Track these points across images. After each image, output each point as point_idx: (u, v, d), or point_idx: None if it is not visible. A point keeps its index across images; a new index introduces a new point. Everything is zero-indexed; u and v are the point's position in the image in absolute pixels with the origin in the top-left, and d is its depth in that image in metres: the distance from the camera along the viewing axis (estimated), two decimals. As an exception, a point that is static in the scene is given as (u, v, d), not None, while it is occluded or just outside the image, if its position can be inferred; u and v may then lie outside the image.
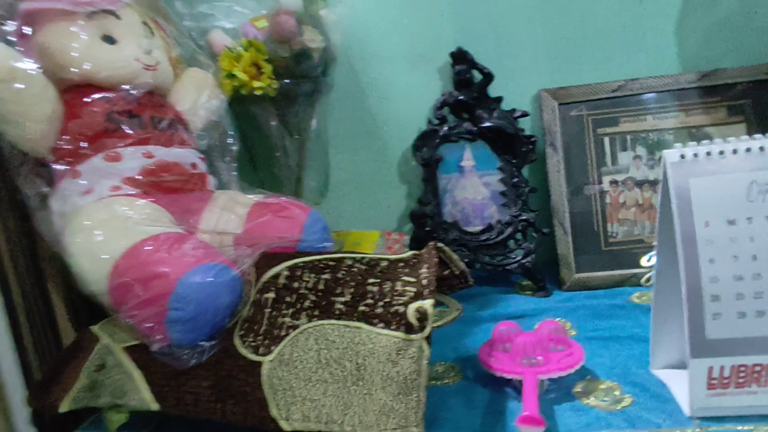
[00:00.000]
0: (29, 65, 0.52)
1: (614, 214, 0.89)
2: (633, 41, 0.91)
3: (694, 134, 0.88)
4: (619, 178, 0.90)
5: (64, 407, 0.50)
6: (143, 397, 0.49)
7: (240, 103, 0.78)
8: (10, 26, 0.53)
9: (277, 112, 0.80)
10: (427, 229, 0.91)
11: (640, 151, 0.89)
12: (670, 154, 0.51)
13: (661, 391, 0.55)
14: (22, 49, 0.53)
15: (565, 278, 0.88)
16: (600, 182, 0.89)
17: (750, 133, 0.85)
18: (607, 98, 0.90)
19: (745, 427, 0.47)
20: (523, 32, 0.93)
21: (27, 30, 0.55)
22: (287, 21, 0.68)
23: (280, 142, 0.82)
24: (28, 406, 0.55)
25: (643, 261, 0.85)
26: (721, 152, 0.50)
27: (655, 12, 0.91)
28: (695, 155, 0.50)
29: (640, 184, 0.89)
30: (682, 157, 0.51)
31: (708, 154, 0.50)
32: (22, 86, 0.51)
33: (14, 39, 0.53)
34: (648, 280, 0.75)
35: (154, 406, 0.49)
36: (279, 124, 0.81)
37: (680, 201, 0.50)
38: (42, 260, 0.62)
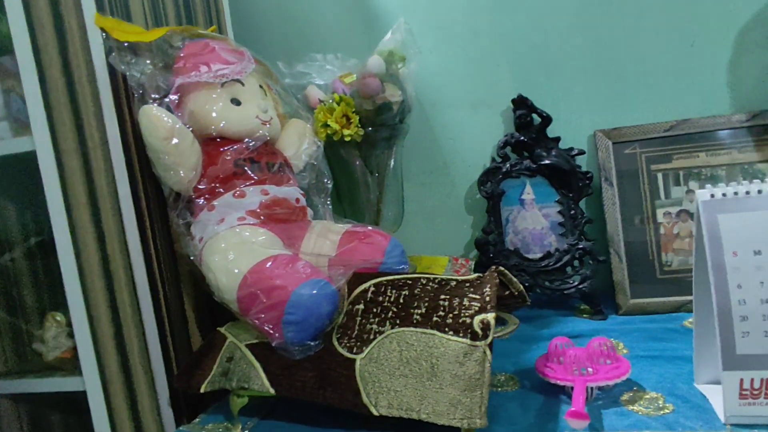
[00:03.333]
0: (183, 126, 0.69)
1: (668, 245, 0.96)
2: (684, 83, 0.99)
3: (746, 170, 0.94)
4: (673, 210, 0.96)
5: (204, 388, 0.65)
6: (263, 383, 0.63)
7: (330, 146, 0.93)
8: (170, 98, 0.70)
9: (360, 154, 0.94)
10: (490, 255, 1.01)
11: (693, 185, 0.95)
12: (702, 194, 0.59)
13: (701, 403, 0.62)
14: (179, 114, 0.71)
15: (621, 303, 0.95)
16: (654, 214, 0.96)
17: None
18: (659, 137, 0.97)
19: (774, 434, 0.54)
20: (577, 77, 1.03)
21: (177, 99, 0.72)
22: (372, 82, 0.83)
23: (362, 178, 0.96)
24: (176, 386, 0.70)
25: (698, 289, 0.91)
26: (747, 192, 0.58)
27: (706, 54, 0.97)
28: (724, 195, 0.58)
29: (693, 216, 0.95)
30: (712, 196, 0.59)
31: (735, 193, 0.58)
32: (179, 141, 0.68)
33: (172, 107, 0.71)
34: (701, 306, 0.80)
35: (272, 390, 0.62)
36: (362, 164, 0.95)
37: (710, 234, 0.58)
38: (180, 276, 0.78)
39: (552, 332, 0.90)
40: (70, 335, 0.90)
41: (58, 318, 0.93)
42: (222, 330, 0.71)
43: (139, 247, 0.70)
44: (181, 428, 0.67)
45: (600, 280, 0.98)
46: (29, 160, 0.74)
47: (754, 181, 0.58)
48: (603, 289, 0.99)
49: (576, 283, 0.97)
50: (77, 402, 0.88)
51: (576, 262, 0.99)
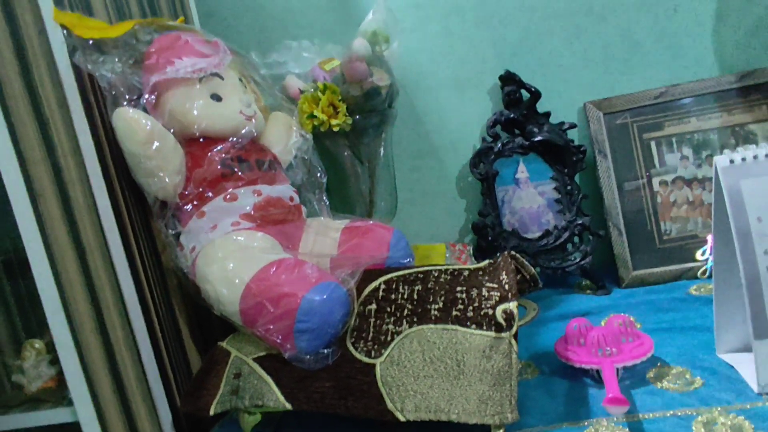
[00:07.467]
0: (162, 127, 0.63)
1: (666, 213, 0.95)
2: (671, 49, 0.97)
3: (738, 132, 0.93)
4: (668, 178, 0.95)
5: (213, 410, 0.60)
6: (278, 398, 0.58)
7: (316, 138, 0.88)
8: (147, 98, 0.64)
9: (348, 143, 0.90)
10: (489, 238, 0.98)
11: (686, 151, 0.95)
12: (721, 160, 0.57)
13: (729, 373, 0.61)
14: (156, 115, 0.65)
15: (623, 276, 0.94)
16: (648, 180, 0.95)
17: (793, 127, 0.90)
18: (650, 105, 0.96)
19: (811, 399, 0.53)
20: (564, 50, 1.00)
21: (153, 99, 0.66)
22: (360, 66, 0.78)
23: (352, 169, 0.92)
24: (183, 410, 0.65)
25: (698, 255, 0.90)
26: (767, 155, 0.56)
27: (690, 19, 0.96)
28: (743, 159, 0.56)
29: (689, 182, 0.94)
30: (732, 161, 0.57)
31: (755, 157, 0.56)
32: (160, 144, 0.62)
33: (149, 108, 0.65)
34: (704, 272, 0.79)
35: (288, 405, 0.58)
36: (350, 154, 0.90)
37: (733, 201, 0.56)
38: (170, 289, 0.73)
39: (560, 312, 0.88)
40: (52, 363, 0.83)
41: (37, 345, 0.86)
42: (223, 344, 0.66)
43: (125, 262, 0.64)
44: (189, 453, 0.63)
45: (600, 254, 0.96)
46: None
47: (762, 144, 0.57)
48: (603, 263, 0.97)
49: (577, 260, 0.95)
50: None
51: (575, 239, 0.97)
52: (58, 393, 0.81)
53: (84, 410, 0.66)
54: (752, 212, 0.55)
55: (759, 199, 0.55)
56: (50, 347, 0.84)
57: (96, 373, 0.65)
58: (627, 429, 0.54)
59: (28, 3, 0.58)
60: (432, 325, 0.59)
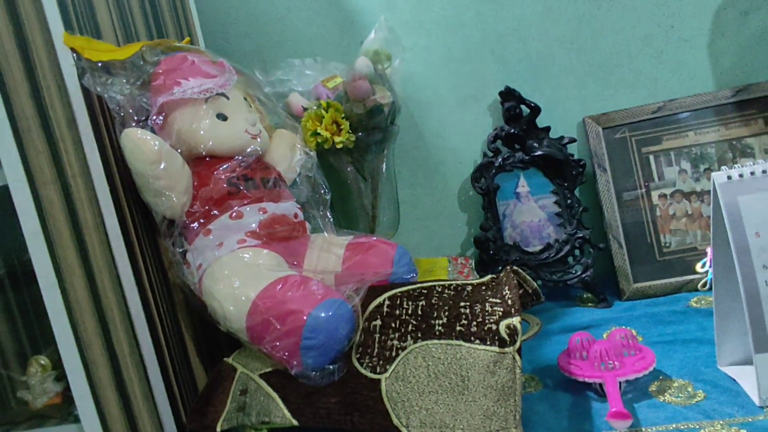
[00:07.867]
0: (170, 148, 0.65)
1: (665, 226, 0.96)
2: (668, 64, 0.99)
3: (735, 145, 0.94)
4: (667, 191, 0.96)
5: (220, 426, 0.60)
6: (284, 414, 0.59)
7: (319, 155, 0.89)
8: (154, 119, 0.65)
9: (351, 160, 0.91)
10: (490, 252, 0.99)
11: (685, 165, 0.96)
12: (718, 176, 0.58)
13: (731, 386, 0.61)
14: (164, 135, 0.66)
15: (624, 289, 0.95)
16: (647, 192, 0.96)
17: (789, 141, 0.91)
18: (648, 119, 0.97)
19: (812, 412, 0.53)
20: (562, 66, 1.02)
21: (161, 119, 0.67)
22: (363, 85, 0.79)
23: (355, 185, 0.93)
24: (189, 427, 0.65)
25: (698, 267, 0.91)
26: (764, 171, 0.57)
27: (687, 34, 0.98)
28: (741, 176, 0.58)
29: (687, 195, 0.95)
30: (729, 178, 0.58)
31: (752, 174, 0.57)
32: (168, 164, 0.63)
33: (156, 129, 0.66)
34: (704, 284, 0.80)
35: (294, 421, 0.59)
36: (354, 170, 0.92)
37: (731, 216, 0.57)
38: (177, 305, 0.73)
39: (562, 325, 0.88)
40: (57, 379, 0.84)
41: (42, 362, 0.86)
42: (229, 360, 0.66)
43: (132, 280, 0.65)
44: (195, 470, 0.63)
45: (600, 267, 0.97)
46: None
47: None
48: (604, 276, 0.98)
49: (578, 273, 0.96)
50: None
51: (576, 252, 0.98)
52: (63, 409, 0.81)
53: (91, 428, 0.66)
54: (750, 227, 0.56)
55: (757, 215, 0.56)
56: (56, 363, 0.84)
57: (103, 391, 0.65)
58: (630, 443, 0.55)
59: (39, 26, 0.60)
60: (436, 341, 0.60)
